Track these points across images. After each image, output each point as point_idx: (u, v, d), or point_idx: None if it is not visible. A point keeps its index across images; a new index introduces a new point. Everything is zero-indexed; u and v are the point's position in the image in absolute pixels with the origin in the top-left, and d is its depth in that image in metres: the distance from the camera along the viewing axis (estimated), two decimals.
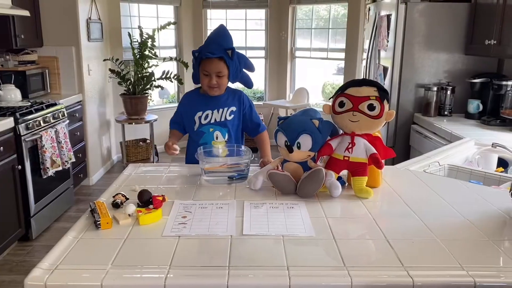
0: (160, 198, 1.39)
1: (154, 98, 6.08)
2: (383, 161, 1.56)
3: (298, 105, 5.33)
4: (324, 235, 1.24)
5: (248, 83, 2.01)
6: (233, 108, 2.00)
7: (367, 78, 3.95)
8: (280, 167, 1.64)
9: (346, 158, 1.58)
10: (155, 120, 4.75)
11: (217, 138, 1.99)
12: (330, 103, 1.65)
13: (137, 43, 4.64)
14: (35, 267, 1.05)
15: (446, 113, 3.29)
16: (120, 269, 1.05)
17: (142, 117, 4.71)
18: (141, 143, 4.95)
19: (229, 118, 1.99)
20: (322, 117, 1.63)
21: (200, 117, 1.97)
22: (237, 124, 2.04)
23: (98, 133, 4.57)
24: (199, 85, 2.01)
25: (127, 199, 1.45)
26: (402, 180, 1.77)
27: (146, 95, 4.74)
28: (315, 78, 6.12)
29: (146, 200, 1.38)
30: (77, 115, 4.00)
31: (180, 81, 4.93)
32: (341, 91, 1.62)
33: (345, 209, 1.47)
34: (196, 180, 1.72)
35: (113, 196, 1.45)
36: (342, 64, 5.40)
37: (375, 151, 1.56)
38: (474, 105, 3.17)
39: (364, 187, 1.55)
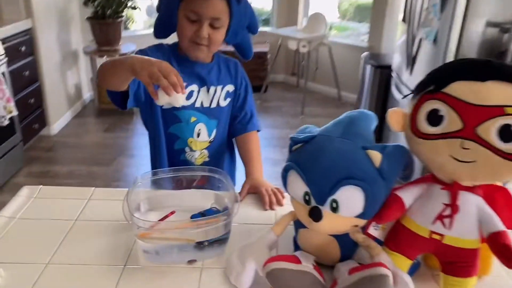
0: None
1: (139, 19, 5.06)
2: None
3: (314, 35, 4.27)
4: None
5: (246, 51, 1.24)
6: (230, 88, 1.26)
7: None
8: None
9: (436, 236, 0.73)
10: (134, 52, 3.76)
11: (198, 135, 1.22)
12: (405, 110, 0.76)
13: None
14: None
15: None
16: None
17: (116, 48, 3.73)
18: None
19: (223, 103, 1.25)
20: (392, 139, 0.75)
21: None
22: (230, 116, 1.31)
23: (61, 69, 3.62)
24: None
25: None
26: None
27: (119, 19, 3.70)
28: None
29: None
30: (23, 49, 3.04)
31: None
32: (434, 85, 0.72)
33: None
34: (128, 246, 0.88)
35: None
36: None
37: (502, 228, 0.71)
38: None
39: None
